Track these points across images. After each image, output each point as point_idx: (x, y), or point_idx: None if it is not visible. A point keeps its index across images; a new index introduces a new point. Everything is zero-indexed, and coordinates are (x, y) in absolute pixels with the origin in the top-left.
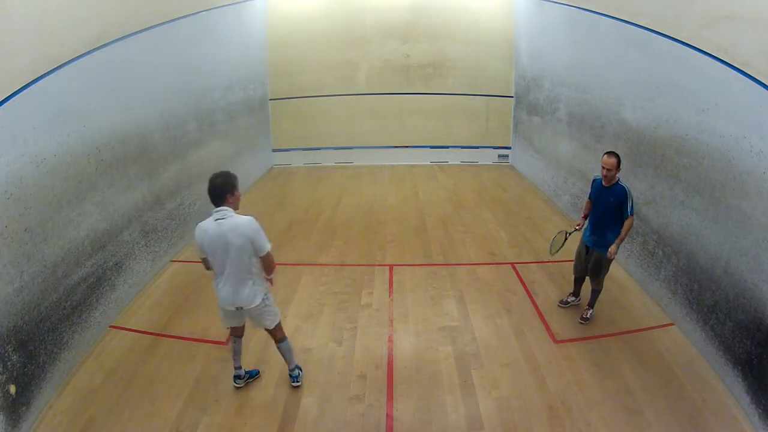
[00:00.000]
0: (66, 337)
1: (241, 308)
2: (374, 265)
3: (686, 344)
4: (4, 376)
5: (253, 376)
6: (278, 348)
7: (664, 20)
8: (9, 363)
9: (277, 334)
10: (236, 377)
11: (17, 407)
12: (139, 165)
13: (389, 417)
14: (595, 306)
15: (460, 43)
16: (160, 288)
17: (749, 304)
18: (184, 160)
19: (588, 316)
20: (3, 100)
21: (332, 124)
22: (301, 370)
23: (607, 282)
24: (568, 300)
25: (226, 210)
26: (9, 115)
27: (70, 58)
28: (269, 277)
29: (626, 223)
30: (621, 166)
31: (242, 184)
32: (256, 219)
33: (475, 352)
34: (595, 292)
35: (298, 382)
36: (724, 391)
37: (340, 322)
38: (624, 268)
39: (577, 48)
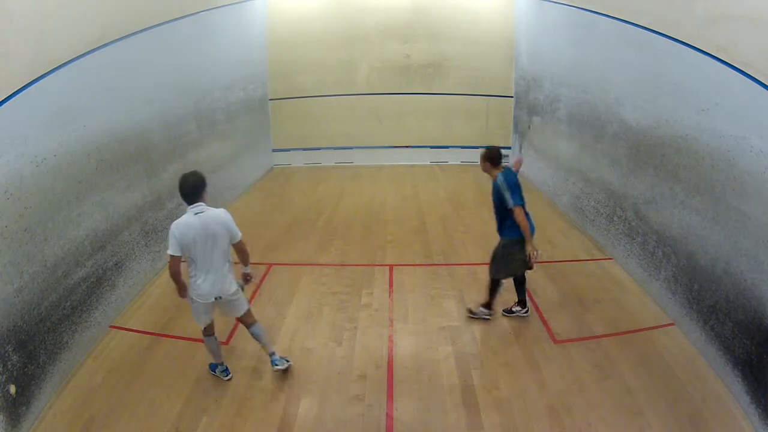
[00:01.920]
0: (66, 337)
1: (220, 298)
2: (374, 265)
3: (686, 344)
4: (4, 376)
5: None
6: (252, 333)
7: (664, 20)
8: (9, 363)
9: (248, 319)
10: (225, 371)
11: (17, 407)
12: (139, 165)
13: (389, 417)
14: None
15: (460, 43)
16: (160, 288)
17: (749, 304)
18: (184, 160)
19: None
20: (3, 100)
21: (332, 124)
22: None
23: (607, 282)
24: (513, 310)
25: (201, 204)
26: (9, 115)
27: (70, 58)
28: (248, 271)
29: (514, 215)
30: (497, 161)
31: (242, 185)
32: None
33: (475, 352)
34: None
35: (278, 365)
36: (724, 391)
37: (340, 322)
38: (624, 268)
39: (577, 48)
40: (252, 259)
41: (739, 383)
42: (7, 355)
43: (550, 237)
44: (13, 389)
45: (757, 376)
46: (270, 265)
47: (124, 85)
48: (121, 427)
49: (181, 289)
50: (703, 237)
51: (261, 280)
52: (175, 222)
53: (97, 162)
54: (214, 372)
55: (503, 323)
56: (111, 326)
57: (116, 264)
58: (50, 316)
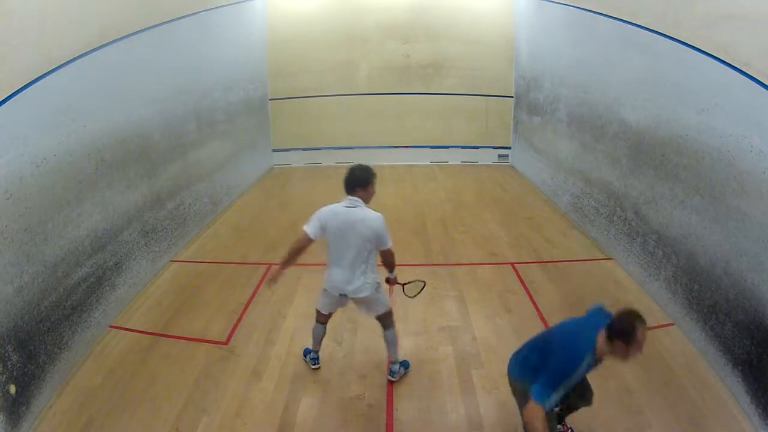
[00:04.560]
0: (66, 337)
1: (345, 296)
2: None
3: (686, 344)
4: (4, 376)
5: (405, 367)
6: (384, 336)
7: (664, 20)
8: (9, 363)
9: (384, 321)
10: (315, 360)
11: (17, 407)
12: (139, 165)
13: (389, 417)
14: None
15: (460, 43)
16: (160, 288)
17: (749, 304)
18: (184, 160)
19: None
20: (3, 100)
21: (332, 124)
22: (406, 368)
23: (607, 282)
24: None
25: (356, 200)
26: (9, 115)
27: (70, 58)
28: (392, 276)
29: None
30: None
31: (242, 184)
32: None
33: (475, 352)
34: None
35: (393, 377)
36: (724, 391)
37: (340, 322)
38: (624, 268)
39: (577, 48)
40: (252, 259)
41: (739, 383)
42: (7, 355)
43: (550, 237)
44: (13, 389)
45: (757, 376)
46: (270, 264)
47: (124, 85)
48: (121, 427)
49: (285, 263)
50: (703, 237)
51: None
52: (325, 206)
53: (97, 162)
54: (305, 357)
55: (503, 323)
56: (111, 326)
57: (116, 264)
58: (50, 316)
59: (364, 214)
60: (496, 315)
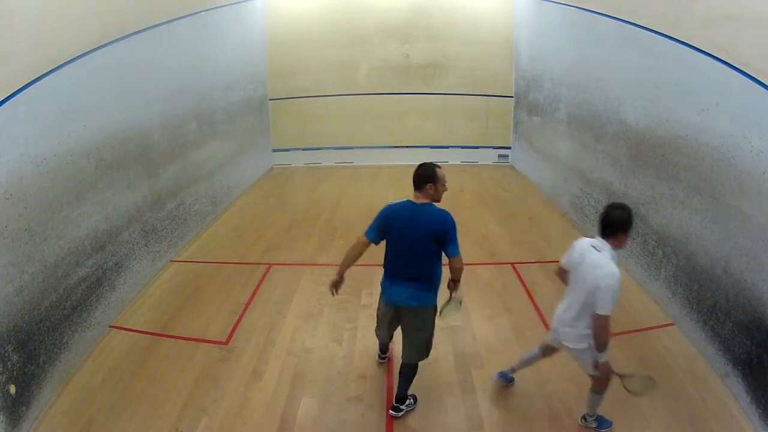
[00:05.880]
0: (66, 337)
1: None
2: (374, 265)
3: (686, 344)
4: (4, 376)
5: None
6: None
7: (664, 20)
8: (9, 363)
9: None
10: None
11: (17, 407)
12: (139, 165)
13: (389, 417)
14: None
15: (460, 43)
16: (160, 288)
17: (749, 304)
18: (184, 160)
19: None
20: (3, 100)
21: (332, 124)
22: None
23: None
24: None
25: (603, 242)
26: (9, 115)
27: (70, 58)
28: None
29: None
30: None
31: (242, 184)
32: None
33: (475, 352)
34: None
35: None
36: (724, 391)
37: (340, 322)
38: (624, 268)
39: (577, 48)
40: (252, 259)
41: (739, 383)
42: (7, 355)
43: (549, 237)
44: (13, 389)
45: (757, 376)
46: (270, 265)
47: (124, 85)
48: (121, 427)
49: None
50: (703, 237)
51: None
52: (579, 241)
53: (97, 162)
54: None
55: (503, 323)
56: (111, 326)
57: (116, 264)
58: (50, 316)
59: (594, 262)
60: (496, 315)
